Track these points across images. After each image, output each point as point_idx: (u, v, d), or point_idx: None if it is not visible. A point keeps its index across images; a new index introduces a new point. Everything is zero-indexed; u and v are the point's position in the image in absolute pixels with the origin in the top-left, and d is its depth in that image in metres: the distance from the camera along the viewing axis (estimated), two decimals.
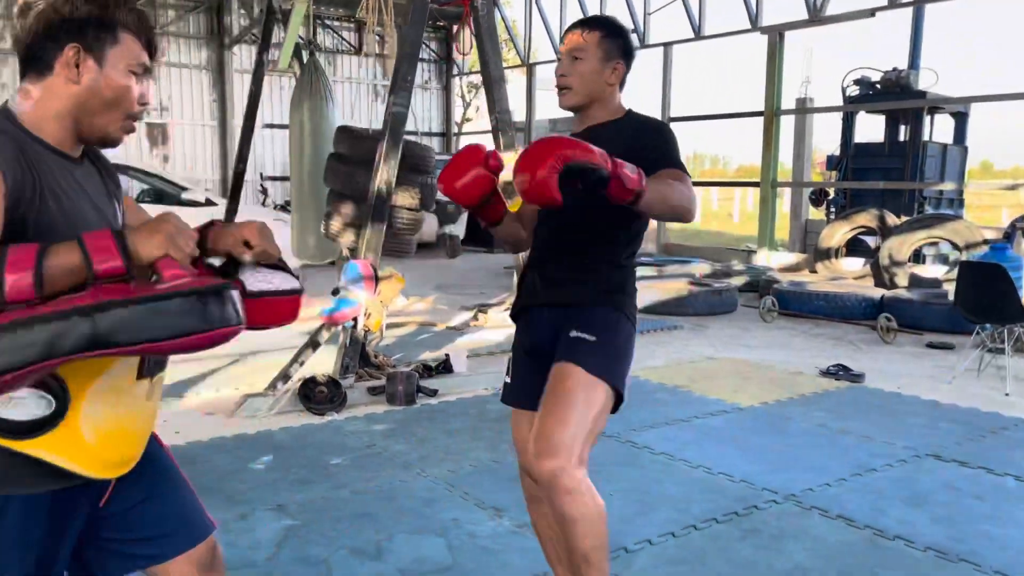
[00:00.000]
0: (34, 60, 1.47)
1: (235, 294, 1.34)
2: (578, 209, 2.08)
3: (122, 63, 1.50)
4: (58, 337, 1.22)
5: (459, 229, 14.28)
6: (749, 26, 11.74)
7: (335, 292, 4.94)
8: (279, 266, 1.62)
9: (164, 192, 9.88)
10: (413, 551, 3.00)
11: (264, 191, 13.31)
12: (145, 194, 10.00)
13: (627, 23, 12.88)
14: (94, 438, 1.45)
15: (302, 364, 4.91)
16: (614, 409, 2.17)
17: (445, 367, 5.50)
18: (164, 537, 1.68)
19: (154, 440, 1.70)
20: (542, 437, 2.03)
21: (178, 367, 5.82)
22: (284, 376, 4.83)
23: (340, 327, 5.04)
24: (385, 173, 4.89)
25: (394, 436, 4.33)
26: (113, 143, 1.55)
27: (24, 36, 1.47)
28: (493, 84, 5.16)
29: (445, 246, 13.86)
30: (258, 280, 1.58)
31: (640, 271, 9.70)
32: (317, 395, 4.78)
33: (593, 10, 13.63)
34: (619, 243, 2.24)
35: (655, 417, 4.72)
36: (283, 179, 14.87)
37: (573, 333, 2.14)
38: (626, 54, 2.28)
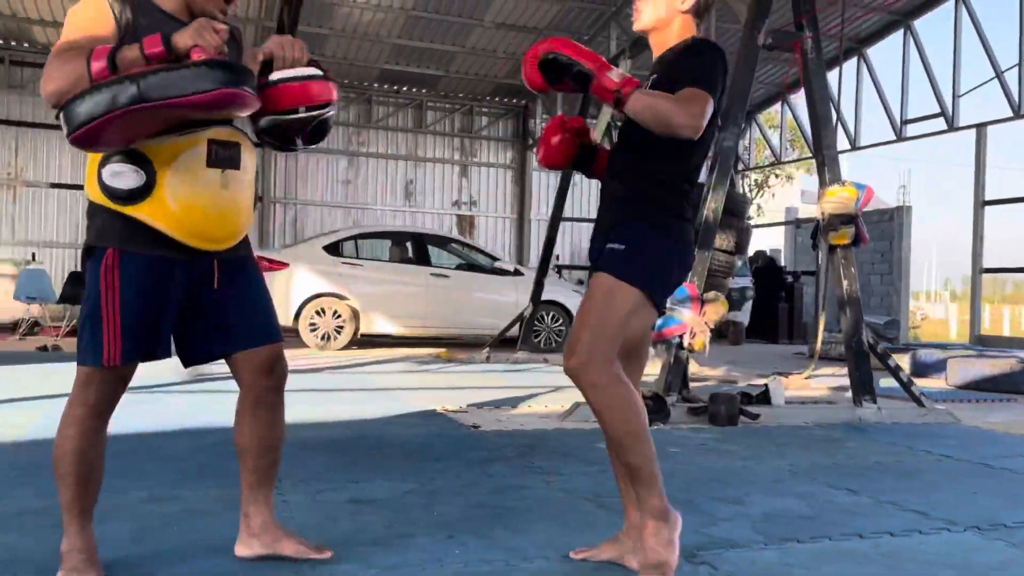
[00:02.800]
0: None
1: (238, 66, 1.86)
2: (635, 139, 2.25)
3: None
4: (117, 94, 1.75)
5: (743, 316, 14.13)
6: None
7: (661, 312, 5.26)
8: (311, 64, 2.07)
9: (476, 263, 10.94)
10: (771, 504, 3.11)
11: (559, 270, 14.25)
12: (460, 267, 11.10)
13: (933, 107, 12.38)
14: (177, 207, 1.97)
15: None
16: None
17: (764, 397, 5.53)
18: (237, 332, 2.15)
19: (252, 260, 2.20)
20: (570, 340, 2.24)
21: (508, 390, 6.41)
22: None
23: (665, 344, 5.31)
24: (713, 202, 5.20)
25: (724, 442, 4.46)
26: (212, 16, 2.06)
27: None
28: (820, 122, 5.35)
29: (729, 333, 13.77)
30: (282, 73, 2.03)
31: (959, 351, 9.05)
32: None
33: (894, 98, 13.27)
34: (663, 162, 2.27)
35: (1005, 451, 4.40)
36: (570, 267, 15.80)
37: (608, 245, 2.26)
38: None
